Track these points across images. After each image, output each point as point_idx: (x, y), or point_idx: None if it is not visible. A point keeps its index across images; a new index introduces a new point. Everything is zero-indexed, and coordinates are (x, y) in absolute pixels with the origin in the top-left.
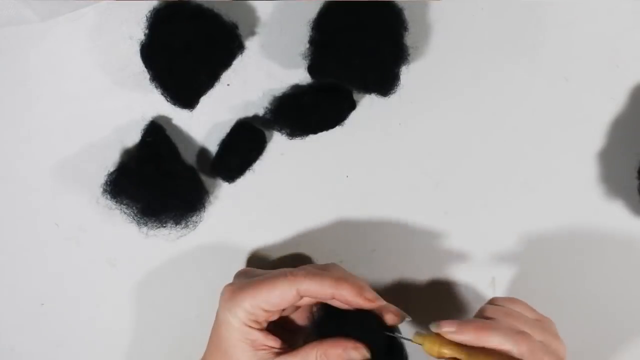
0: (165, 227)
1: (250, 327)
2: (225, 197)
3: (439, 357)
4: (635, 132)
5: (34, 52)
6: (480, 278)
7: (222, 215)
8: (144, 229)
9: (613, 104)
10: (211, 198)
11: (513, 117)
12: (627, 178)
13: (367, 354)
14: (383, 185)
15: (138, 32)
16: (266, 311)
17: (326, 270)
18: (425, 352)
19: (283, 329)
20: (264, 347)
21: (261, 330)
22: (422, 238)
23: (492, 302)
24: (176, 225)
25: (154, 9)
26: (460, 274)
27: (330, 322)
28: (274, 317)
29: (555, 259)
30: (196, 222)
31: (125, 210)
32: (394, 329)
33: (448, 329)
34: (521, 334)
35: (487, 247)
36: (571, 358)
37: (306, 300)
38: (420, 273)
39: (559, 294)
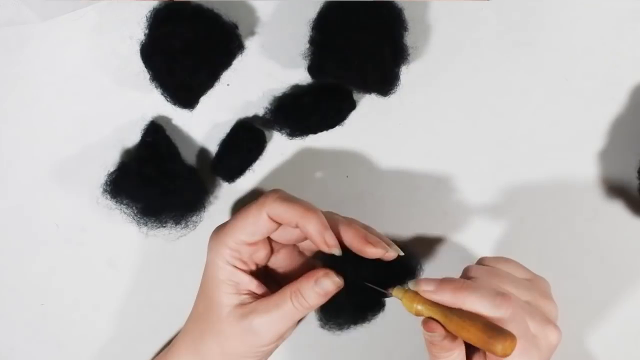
0: (165, 227)
1: (235, 267)
2: (225, 197)
3: (416, 315)
4: (635, 132)
5: (34, 52)
6: None
7: (222, 215)
8: (144, 229)
9: (613, 104)
10: (211, 198)
11: (513, 116)
12: (627, 178)
13: (340, 281)
14: (383, 185)
15: (138, 32)
16: (248, 244)
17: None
18: (404, 307)
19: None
20: (247, 292)
21: (247, 273)
22: (422, 238)
23: (480, 261)
24: (176, 225)
25: (154, 9)
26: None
27: None
28: (260, 256)
29: (556, 260)
30: (196, 222)
31: (125, 210)
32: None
33: (426, 288)
34: (501, 296)
35: (487, 248)
36: (571, 356)
37: (286, 237)
38: (420, 272)
39: (558, 295)
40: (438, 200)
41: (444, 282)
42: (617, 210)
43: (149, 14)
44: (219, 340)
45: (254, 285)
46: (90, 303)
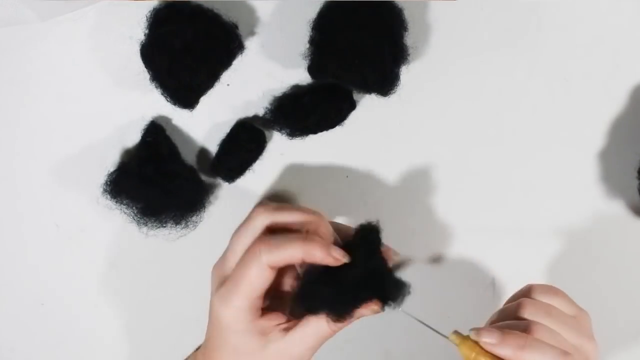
0: (165, 227)
1: (255, 316)
2: (225, 197)
3: None
4: (635, 132)
5: (34, 52)
6: (480, 278)
7: (222, 215)
8: (144, 229)
9: (613, 104)
10: (211, 198)
11: (513, 117)
12: (627, 178)
13: (380, 310)
14: (383, 185)
15: (138, 32)
16: (258, 297)
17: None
18: (461, 354)
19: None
20: (272, 329)
21: (263, 315)
22: (422, 238)
23: (530, 291)
24: (176, 225)
25: (154, 9)
26: (460, 274)
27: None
28: (266, 288)
29: (555, 259)
30: (196, 222)
31: (125, 210)
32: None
33: (488, 340)
34: (565, 356)
35: (487, 248)
36: None
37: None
38: (420, 273)
39: None
40: (438, 200)
41: (507, 336)
42: (617, 210)
43: (149, 14)
44: None
45: (273, 320)
46: (90, 303)
